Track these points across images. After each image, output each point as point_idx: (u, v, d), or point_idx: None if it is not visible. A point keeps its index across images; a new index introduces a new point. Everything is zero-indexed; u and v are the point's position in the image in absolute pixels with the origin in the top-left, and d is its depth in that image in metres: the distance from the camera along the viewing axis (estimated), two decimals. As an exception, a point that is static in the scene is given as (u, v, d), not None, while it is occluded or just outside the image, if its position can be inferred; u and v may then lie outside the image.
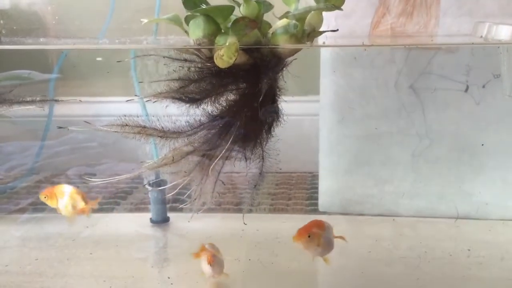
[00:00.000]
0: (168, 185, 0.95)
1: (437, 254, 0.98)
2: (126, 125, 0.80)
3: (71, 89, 1.45)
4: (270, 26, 0.80)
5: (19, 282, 0.90)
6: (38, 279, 0.91)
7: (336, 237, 0.87)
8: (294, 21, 0.76)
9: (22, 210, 1.23)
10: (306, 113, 1.29)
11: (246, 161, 0.81)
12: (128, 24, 1.13)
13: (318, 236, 0.81)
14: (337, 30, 0.81)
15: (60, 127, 0.84)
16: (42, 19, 1.19)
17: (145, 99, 0.79)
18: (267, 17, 0.80)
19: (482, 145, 1.09)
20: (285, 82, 0.79)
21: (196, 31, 0.76)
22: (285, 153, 0.86)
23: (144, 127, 0.80)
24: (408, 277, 0.90)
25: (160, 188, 1.09)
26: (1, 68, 1.18)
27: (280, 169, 0.80)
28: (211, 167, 0.81)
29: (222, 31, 0.77)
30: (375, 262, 0.96)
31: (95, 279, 0.90)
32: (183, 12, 0.81)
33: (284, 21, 0.77)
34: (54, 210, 1.24)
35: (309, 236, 0.81)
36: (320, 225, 0.83)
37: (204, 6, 0.74)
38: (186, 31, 0.79)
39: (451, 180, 1.14)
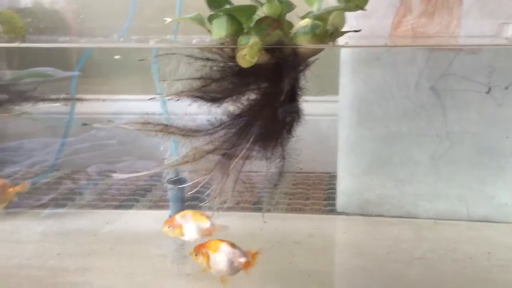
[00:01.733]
0: (188, 184, 0.96)
1: (457, 256, 0.97)
2: (149, 123, 0.80)
3: (92, 87, 1.47)
4: (292, 26, 0.80)
5: (42, 276, 0.91)
6: (60, 273, 0.92)
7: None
8: (316, 21, 0.76)
9: (43, 206, 1.25)
10: (324, 113, 1.29)
11: (266, 160, 0.81)
12: (149, 23, 1.15)
13: (206, 256, 0.82)
14: (360, 30, 0.81)
15: (84, 124, 0.86)
16: (63, 18, 1.21)
17: (167, 98, 0.80)
18: (289, 17, 0.81)
19: (507, 137, 1.08)
20: (306, 82, 0.79)
21: (219, 30, 0.77)
22: (303, 153, 0.87)
23: (166, 125, 0.81)
24: (428, 279, 0.90)
25: (180, 186, 1.10)
26: (24, 65, 1.20)
27: (301, 169, 0.81)
28: (232, 166, 0.81)
29: (245, 30, 0.77)
30: (394, 263, 0.96)
31: (116, 275, 0.92)
32: (202, 10, 0.82)
33: (306, 21, 0.77)
34: (75, 206, 1.27)
35: (196, 255, 0.83)
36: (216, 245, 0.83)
37: (228, 6, 0.75)
38: (208, 30, 0.80)
39: (472, 182, 1.13)
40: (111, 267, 0.95)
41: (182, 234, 0.90)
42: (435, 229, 1.10)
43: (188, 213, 0.91)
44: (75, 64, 1.36)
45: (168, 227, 0.90)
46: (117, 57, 1.21)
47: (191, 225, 0.90)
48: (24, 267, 0.94)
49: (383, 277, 0.91)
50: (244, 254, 0.82)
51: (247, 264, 0.83)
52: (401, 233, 1.09)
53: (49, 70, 1.21)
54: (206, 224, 0.90)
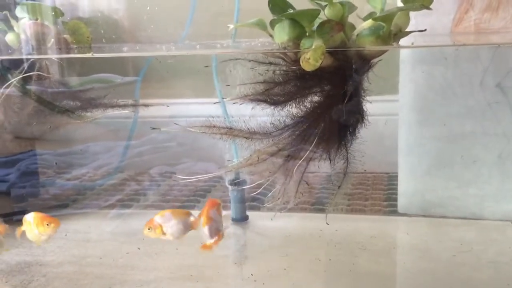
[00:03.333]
0: (250, 185, 0.98)
1: (529, 260, 0.94)
2: (214, 126, 0.83)
3: (152, 91, 1.52)
4: (354, 27, 0.80)
5: (113, 274, 0.96)
6: (130, 271, 0.96)
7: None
8: (380, 22, 0.75)
9: (111, 206, 1.31)
10: (382, 113, 1.28)
11: (330, 162, 0.81)
12: (207, 29, 1.17)
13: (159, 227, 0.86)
14: (425, 30, 0.80)
15: (153, 128, 0.89)
16: (122, 26, 1.26)
17: (232, 101, 0.82)
18: (350, 18, 0.80)
19: None
20: (370, 83, 0.79)
21: (282, 35, 0.78)
22: (362, 153, 0.86)
23: (231, 128, 0.83)
24: (498, 282, 0.87)
25: (241, 187, 1.12)
26: (84, 72, 1.26)
27: (365, 170, 0.81)
28: (295, 167, 0.82)
29: (307, 34, 0.78)
30: (460, 266, 0.94)
31: (182, 274, 0.95)
32: (261, 15, 0.84)
33: (369, 22, 0.77)
34: (140, 207, 1.31)
35: (149, 229, 0.86)
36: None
37: (291, 11, 0.76)
38: (271, 35, 0.81)
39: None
40: (178, 266, 0.98)
41: (164, 234, 0.90)
42: (503, 230, 1.07)
43: (167, 212, 0.91)
44: (132, 70, 1.41)
45: (149, 229, 0.89)
46: (170, 61, 1.25)
47: (172, 224, 0.89)
48: (97, 266, 0.99)
49: (450, 281, 0.90)
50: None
51: (195, 223, 0.88)
52: (466, 235, 1.06)
53: (112, 77, 1.27)
54: (188, 220, 0.90)
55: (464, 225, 1.10)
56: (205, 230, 0.87)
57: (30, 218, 0.92)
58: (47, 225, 0.91)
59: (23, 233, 0.93)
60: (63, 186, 1.40)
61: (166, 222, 0.89)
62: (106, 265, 1.00)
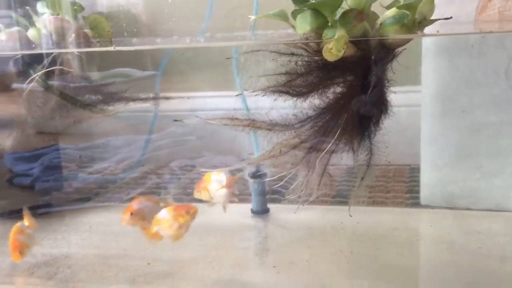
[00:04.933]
0: (271, 177, 0.98)
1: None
2: (236, 118, 0.83)
3: (171, 85, 1.52)
4: (377, 16, 0.79)
5: (138, 265, 0.97)
6: (154, 263, 0.97)
7: None
8: (404, 11, 0.74)
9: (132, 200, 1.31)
10: (404, 104, 1.26)
11: (353, 153, 0.81)
12: (226, 22, 1.17)
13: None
14: (451, 17, 0.79)
15: (176, 120, 0.89)
16: (140, 20, 1.26)
17: (254, 93, 0.81)
18: (373, 7, 0.79)
19: None
20: (394, 73, 0.78)
21: (304, 25, 0.77)
22: (384, 145, 0.85)
23: (253, 120, 0.83)
24: (526, 275, 0.86)
25: (263, 180, 1.12)
26: (104, 67, 1.26)
27: (389, 162, 0.80)
28: (318, 159, 0.82)
29: (329, 24, 0.77)
30: (487, 259, 0.92)
31: (205, 265, 0.95)
32: (279, 7, 0.83)
33: (393, 11, 0.76)
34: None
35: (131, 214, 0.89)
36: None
37: (312, 1, 0.75)
38: (292, 26, 0.81)
39: None
40: (200, 258, 0.98)
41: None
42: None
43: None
44: (150, 64, 1.42)
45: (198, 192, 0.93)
46: (188, 54, 1.25)
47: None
48: (121, 257, 1.00)
49: (476, 273, 0.88)
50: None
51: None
52: (492, 227, 1.04)
53: (132, 71, 1.28)
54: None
55: (489, 217, 1.09)
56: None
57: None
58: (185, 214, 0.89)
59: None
60: (86, 179, 1.41)
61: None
62: (129, 257, 1.01)
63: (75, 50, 1.10)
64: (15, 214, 1.24)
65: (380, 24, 0.76)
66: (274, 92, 0.81)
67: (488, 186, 1.11)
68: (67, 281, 0.93)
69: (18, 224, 0.97)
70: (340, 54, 0.73)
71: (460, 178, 1.14)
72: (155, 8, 1.33)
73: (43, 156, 1.30)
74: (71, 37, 1.06)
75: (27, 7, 1.08)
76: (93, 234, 1.13)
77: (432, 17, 0.77)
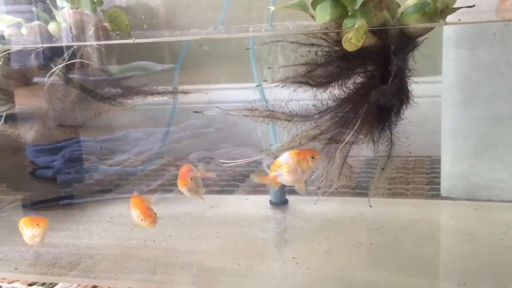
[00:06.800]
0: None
1: None
2: (256, 109, 0.83)
3: (189, 78, 1.52)
4: (398, 5, 0.78)
5: (157, 256, 0.98)
6: (173, 254, 0.98)
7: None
8: (426, -1, 0.73)
9: (152, 191, 1.33)
10: (424, 95, 1.25)
11: (374, 144, 0.80)
12: (243, 13, 1.16)
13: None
14: (474, 5, 0.77)
15: (196, 112, 0.90)
16: (157, 13, 1.26)
17: (274, 84, 0.81)
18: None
19: None
20: (415, 63, 0.77)
21: (323, 15, 0.77)
22: (403, 136, 0.85)
23: (273, 111, 0.83)
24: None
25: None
26: (122, 60, 1.27)
27: (410, 152, 0.79)
28: (338, 150, 0.81)
29: (349, 14, 0.76)
30: (508, 250, 0.91)
31: (224, 256, 0.96)
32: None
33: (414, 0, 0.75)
34: (181, 191, 1.33)
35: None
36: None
37: (333, -10, 0.75)
38: (312, 16, 0.80)
39: None
40: (219, 249, 0.99)
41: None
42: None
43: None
44: (168, 57, 1.42)
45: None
46: (205, 48, 1.25)
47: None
48: (142, 248, 1.01)
49: (498, 264, 0.87)
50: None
51: None
52: (514, 219, 1.03)
53: (152, 64, 1.29)
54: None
55: (511, 209, 1.07)
56: None
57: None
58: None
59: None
60: (106, 171, 1.43)
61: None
62: (150, 247, 1.02)
63: (95, 43, 1.11)
64: (38, 205, 1.27)
65: (401, 13, 0.75)
66: (294, 82, 0.81)
67: (510, 177, 1.09)
68: (89, 271, 0.94)
69: None
70: (360, 44, 0.73)
71: (481, 169, 1.12)
72: (174, 0, 1.33)
73: (64, 148, 1.32)
74: (91, 30, 1.07)
75: (47, 1, 1.10)
76: (114, 225, 1.15)
77: (454, 6, 0.76)
